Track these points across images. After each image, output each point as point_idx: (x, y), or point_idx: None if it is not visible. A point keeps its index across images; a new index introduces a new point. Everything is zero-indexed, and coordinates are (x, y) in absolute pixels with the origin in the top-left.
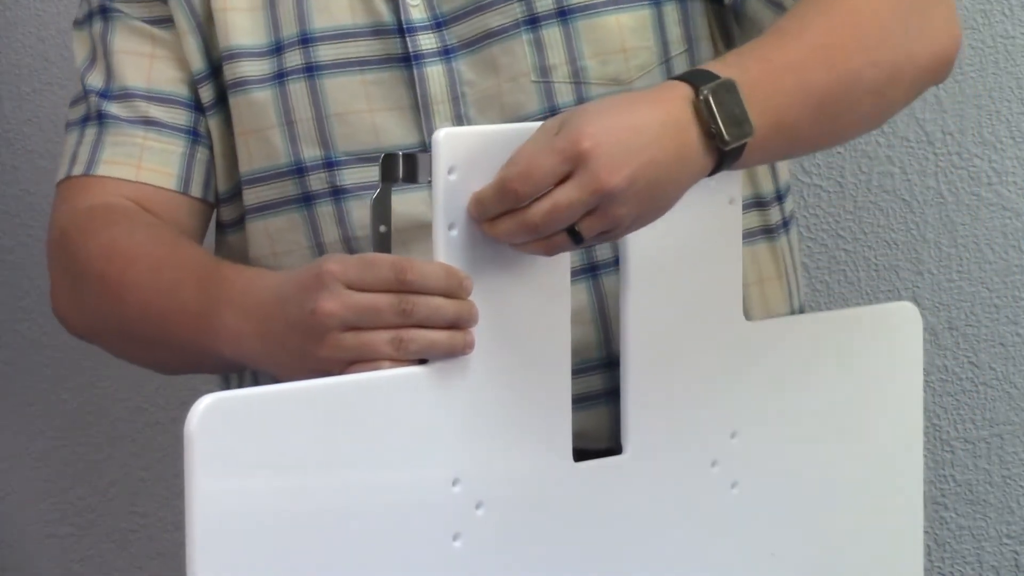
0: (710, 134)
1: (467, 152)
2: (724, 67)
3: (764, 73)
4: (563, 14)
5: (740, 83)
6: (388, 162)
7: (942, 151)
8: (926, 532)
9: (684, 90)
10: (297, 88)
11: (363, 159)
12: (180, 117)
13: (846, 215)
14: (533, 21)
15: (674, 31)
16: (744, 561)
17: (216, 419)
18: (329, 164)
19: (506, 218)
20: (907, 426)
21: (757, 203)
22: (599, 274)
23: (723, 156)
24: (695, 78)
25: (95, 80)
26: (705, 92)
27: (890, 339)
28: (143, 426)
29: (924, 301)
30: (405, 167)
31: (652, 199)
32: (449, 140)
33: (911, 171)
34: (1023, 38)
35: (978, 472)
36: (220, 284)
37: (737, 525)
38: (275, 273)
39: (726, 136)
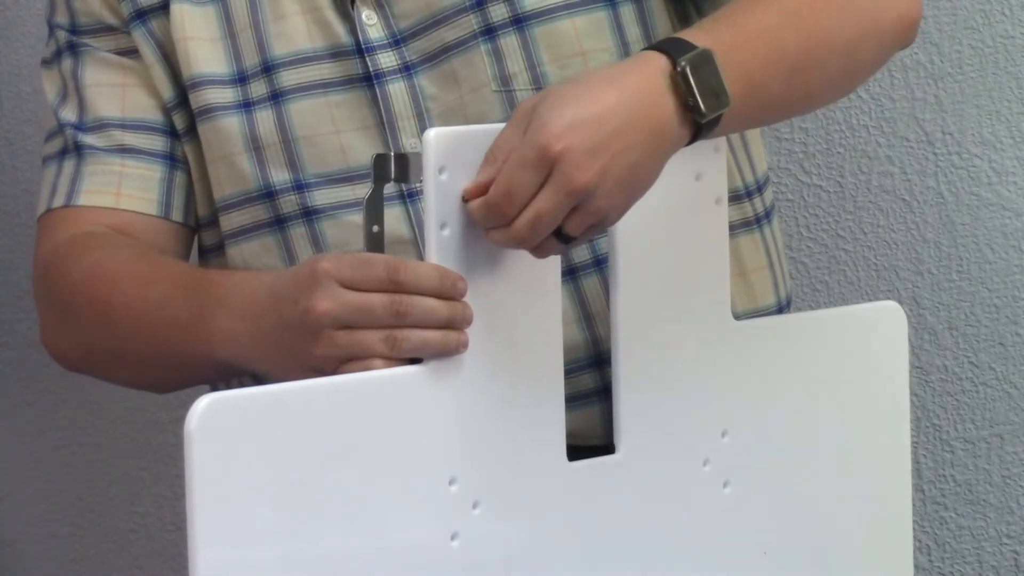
0: (687, 107)
1: (457, 152)
2: (700, 34)
3: (738, 40)
4: (518, 22)
5: (715, 51)
6: (380, 162)
7: (942, 151)
8: (926, 532)
9: (661, 62)
10: (264, 115)
11: (333, 180)
12: (157, 143)
13: (846, 215)
14: (489, 31)
15: (632, 30)
16: (736, 560)
17: (215, 418)
18: (299, 187)
19: (495, 231)
20: (895, 423)
21: (735, 197)
22: (578, 276)
23: (699, 127)
24: (672, 48)
25: (69, 114)
26: (683, 63)
27: (876, 338)
28: (143, 426)
29: (924, 301)
30: (397, 167)
31: (631, 183)
32: (439, 140)
33: (911, 171)
34: (1023, 38)
35: (978, 472)
36: (209, 289)
37: (729, 524)
38: (267, 272)
39: (703, 109)
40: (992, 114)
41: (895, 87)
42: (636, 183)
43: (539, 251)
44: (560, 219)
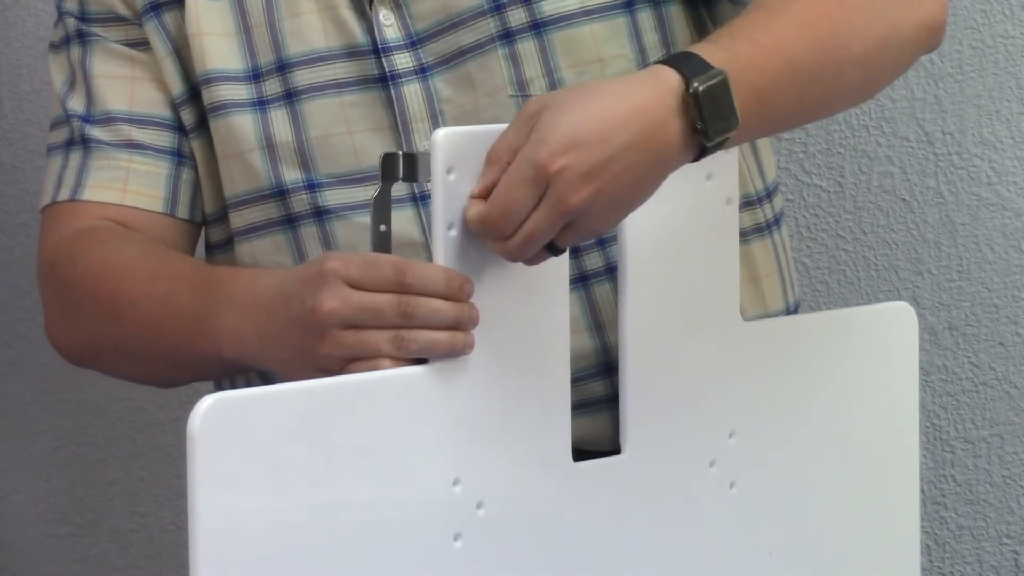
0: (694, 129)
1: (466, 152)
2: (715, 51)
3: (753, 56)
4: (537, 27)
5: (729, 70)
6: (388, 161)
7: (942, 151)
8: (926, 532)
9: (674, 80)
10: (278, 115)
11: (345, 181)
12: (164, 139)
13: (846, 215)
14: (507, 35)
15: (650, 37)
16: (742, 561)
17: (219, 419)
18: (311, 186)
19: (489, 243)
20: (903, 425)
21: (746, 202)
22: (590, 283)
23: (704, 149)
24: (687, 67)
25: (76, 104)
26: (696, 86)
27: (886, 339)
28: (143, 426)
29: (924, 301)
30: (405, 166)
31: (624, 204)
32: (448, 140)
33: (911, 171)
34: (1023, 38)
35: (978, 472)
36: (216, 286)
37: (735, 525)
38: (274, 271)
39: (711, 133)
40: (992, 114)
41: (895, 87)
42: (630, 203)
43: (530, 262)
44: (552, 236)
